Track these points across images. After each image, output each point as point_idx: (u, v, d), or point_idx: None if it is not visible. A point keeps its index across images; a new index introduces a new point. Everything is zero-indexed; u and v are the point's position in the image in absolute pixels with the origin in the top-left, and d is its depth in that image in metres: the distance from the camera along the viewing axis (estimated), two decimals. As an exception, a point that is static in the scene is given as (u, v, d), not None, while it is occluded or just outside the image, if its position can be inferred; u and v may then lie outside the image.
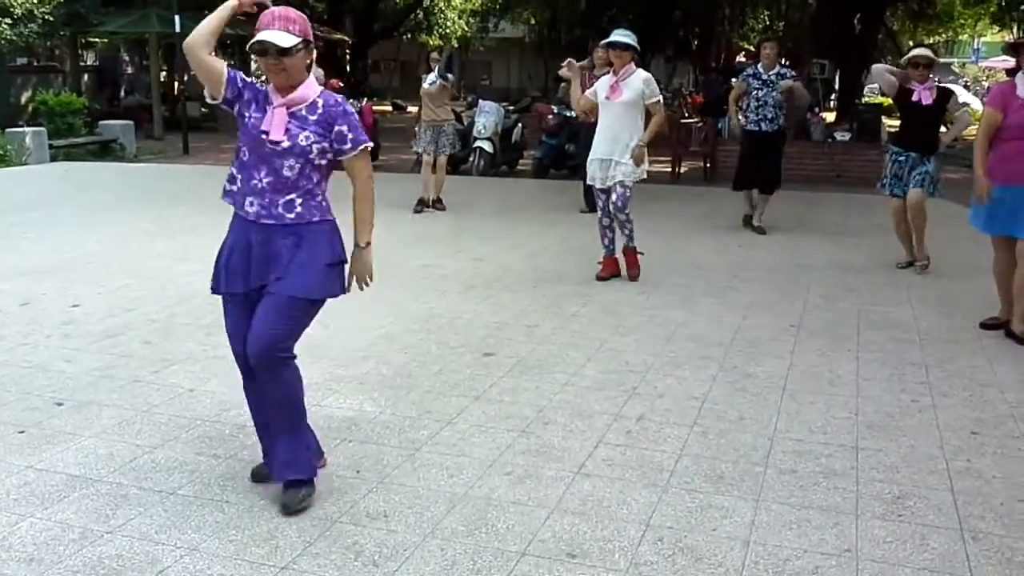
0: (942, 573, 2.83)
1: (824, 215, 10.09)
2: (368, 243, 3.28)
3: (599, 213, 6.78)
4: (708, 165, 13.97)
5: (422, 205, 9.86)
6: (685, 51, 27.43)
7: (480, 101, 13.67)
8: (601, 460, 3.62)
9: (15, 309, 5.79)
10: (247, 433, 3.81)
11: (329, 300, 3.22)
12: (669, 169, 13.88)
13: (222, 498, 3.27)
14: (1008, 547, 2.98)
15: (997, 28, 29.06)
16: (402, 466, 3.54)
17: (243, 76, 3.19)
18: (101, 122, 17.70)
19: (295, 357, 3.17)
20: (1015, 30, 23.76)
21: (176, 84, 25.31)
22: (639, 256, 6.76)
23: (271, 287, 3.11)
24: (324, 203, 3.21)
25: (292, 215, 3.12)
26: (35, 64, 25.44)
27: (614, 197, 6.52)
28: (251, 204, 3.14)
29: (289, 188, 3.12)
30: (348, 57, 29.99)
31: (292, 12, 3.09)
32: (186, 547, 2.94)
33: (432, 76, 9.74)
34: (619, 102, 6.48)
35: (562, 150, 12.95)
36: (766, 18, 29.32)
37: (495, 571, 2.81)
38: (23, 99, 21.54)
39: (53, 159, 15.20)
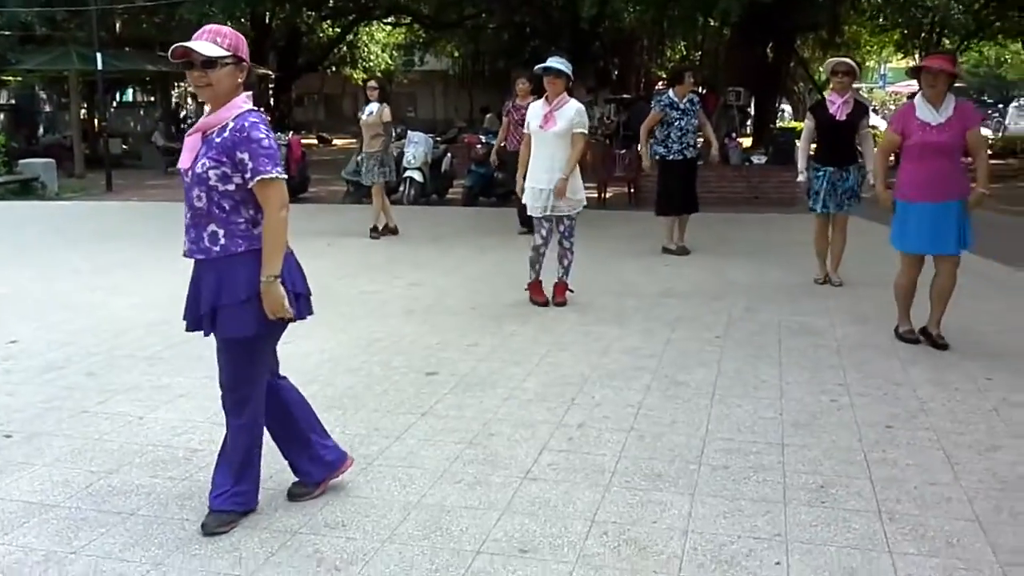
0: (863, 550, 3.08)
1: (744, 235, 10.50)
2: (273, 276, 3.04)
3: (537, 240, 6.74)
4: (632, 191, 14.37)
5: (386, 231, 10.28)
6: (606, 81, 28.09)
7: (409, 132, 13.87)
8: (546, 465, 3.81)
9: (-49, 347, 5.75)
10: (200, 456, 3.92)
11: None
12: (596, 195, 14.24)
13: (181, 516, 3.37)
14: (921, 524, 3.26)
15: (901, 55, 30.45)
16: (355, 479, 3.67)
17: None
18: (21, 161, 17.38)
19: (252, 401, 3.22)
20: (917, 56, 24.96)
21: (96, 121, 24.96)
22: (568, 292, 6.87)
23: (206, 329, 3.16)
24: (250, 231, 3.08)
25: (217, 247, 3.06)
26: (-52, 104, 24.88)
27: (562, 228, 6.68)
28: (185, 243, 3.14)
29: (206, 219, 3.06)
30: (272, 91, 29.96)
31: (225, 28, 3.05)
32: (151, 563, 3.03)
33: (371, 107, 9.93)
34: (552, 132, 6.50)
35: (491, 178, 13.23)
36: (683, 48, 30.21)
37: (452, 569, 2.97)
38: (-64, 139, 21.03)
39: (-28, 199, 14.90)
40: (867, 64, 35.75)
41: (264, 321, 3.09)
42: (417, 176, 13.26)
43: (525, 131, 6.88)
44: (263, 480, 3.64)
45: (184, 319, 3.26)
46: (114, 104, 28.13)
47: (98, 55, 17.33)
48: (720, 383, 4.90)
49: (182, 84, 37.33)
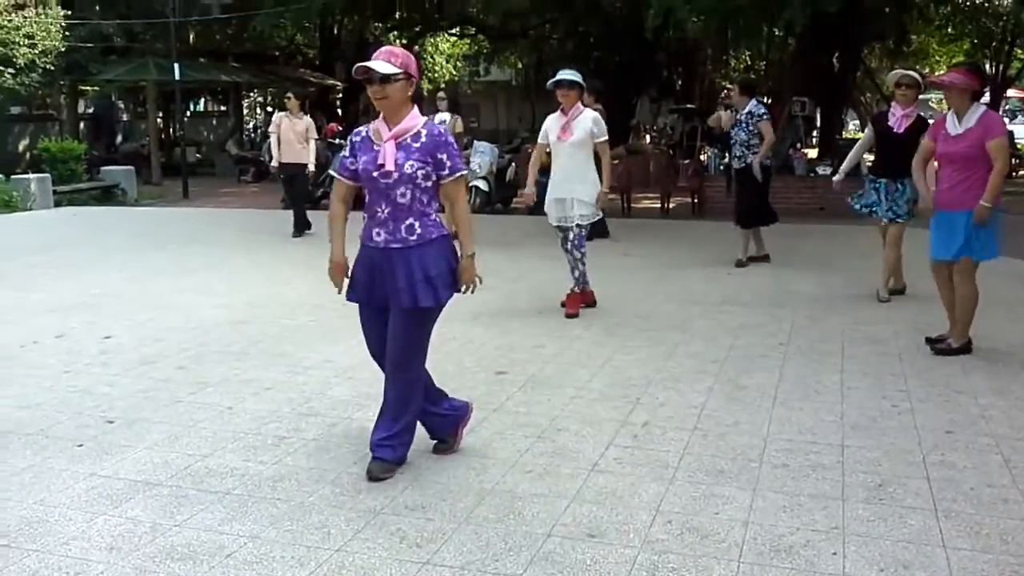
0: (918, 544, 3.21)
1: (808, 246, 10.54)
2: (472, 253, 3.82)
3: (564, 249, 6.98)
4: (696, 200, 14.46)
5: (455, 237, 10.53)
6: (669, 91, 28.13)
7: (475, 142, 14.16)
8: (612, 459, 4.00)
9: (51, 341, 6.15)
10: (288, 443, 4.21)
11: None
12: (659, 205, 14.37)
13: (273, 496, 3.64)
14: (976, 523, 3.37)
15: (971, 65, 29.87)
16: (432, 467, 3.91)
17: (350, 148, 3.77)
18: (103, 168, 18.14)
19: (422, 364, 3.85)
20: (988, 67, 24.52)
21: (171, 130, 25.82)
22: (580, 304, 6.93)
23: (393, 304, 3.68)
24: (438, 221, 3.75)
25: (414, 237, 3.68)
26: (32, 113, 25.92)
27: (571, 236, 6.83)
28: (378, 234, 3.70)
29: (406, 213, 3.66)
30: (340, 102, 30.60)
31: (397, 49, 3.72)
32: (247, 536, 3.30)
33: (441, 116, 10.24)
34: (569, 142, 6.70)
35: (555, 187, 13.42)
36: (747, 58, 30.10)
37: (525, 549, 3.18)
38: (20, 147, 22.00)
39: (57, 204, 15.61)
40: (936, 74, 35.23)
41: (447, 294, 3.77)
42: (483, 185, 13.53)
43: (542, 141, 6.97)
44: (349, 464, 3.92)
45: (353, 298, 3.84)
46: (187, 113, 29.02)
47: (176, 66, 17.98)
48: (782, 387, 5.04)
49: (251, 94, 38.35)
